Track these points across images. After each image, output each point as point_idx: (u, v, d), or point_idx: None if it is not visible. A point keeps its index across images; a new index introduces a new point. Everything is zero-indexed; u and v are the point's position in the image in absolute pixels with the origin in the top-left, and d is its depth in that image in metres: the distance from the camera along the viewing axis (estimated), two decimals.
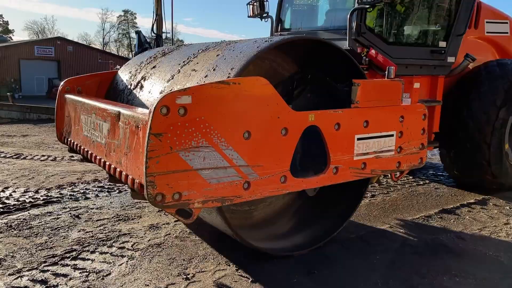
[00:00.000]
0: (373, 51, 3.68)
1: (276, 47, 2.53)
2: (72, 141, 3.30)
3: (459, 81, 4.73)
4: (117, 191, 4.75)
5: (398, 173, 3.32)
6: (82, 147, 3.05)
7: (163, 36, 17.78)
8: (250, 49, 2.48)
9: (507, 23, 5.61)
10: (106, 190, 4.81)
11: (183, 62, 2.93)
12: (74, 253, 3.06)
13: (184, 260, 2.95)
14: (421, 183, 5.30)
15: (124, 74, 3.61)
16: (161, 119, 1.99)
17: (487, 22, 5.37)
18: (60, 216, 3.87)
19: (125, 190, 4.76)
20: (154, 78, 3.08)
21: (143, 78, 3.22)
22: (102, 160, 2.67)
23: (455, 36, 4.29)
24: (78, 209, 4.07)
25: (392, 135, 3.11)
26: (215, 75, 2.48)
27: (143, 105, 3.01)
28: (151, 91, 3.00)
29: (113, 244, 3.23)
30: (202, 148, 2.14)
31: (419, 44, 4.30)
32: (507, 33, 5.64)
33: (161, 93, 2.85)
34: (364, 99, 2.87)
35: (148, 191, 2.01)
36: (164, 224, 3.67)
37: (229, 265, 2.84)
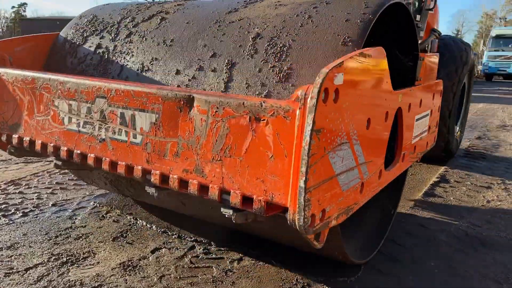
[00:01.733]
0: None
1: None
2: (28, 138, 2.41)
3: None
4: (20, 213, 3.66)
5: None
6: (65, 148, 2.24)
7: None
8: None
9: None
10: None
11: None
12: None
13: None
14: None
15: (88, 27, 2.83)
16: (322, 108, 1.61)
17: None
18: None
19: (32, 211, 3.69)
20: (189, 11, 2.66)
21: (165, 11, 2.75)
22: (137, 167, 1.99)
23: (425, 10, 4.67)
24: None
25: (428, 115, 3.22)
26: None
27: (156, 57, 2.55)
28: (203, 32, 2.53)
29: None
30: (343, 145, 1.82)
31: None
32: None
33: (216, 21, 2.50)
34: (424, 76, 2.87)
35: (305, 214, 1.59)
36: (138, 258, 3.00)
37: None
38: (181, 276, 2.78)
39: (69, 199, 3.97)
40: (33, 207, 3.78)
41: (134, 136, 2.03)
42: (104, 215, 3.64)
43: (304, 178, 1.59)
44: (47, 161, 5.21)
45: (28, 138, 2.43)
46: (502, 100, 15.89)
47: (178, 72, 2.43)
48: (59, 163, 2.39)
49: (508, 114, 12.06)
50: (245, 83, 2.19)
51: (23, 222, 3.45)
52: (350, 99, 1.82)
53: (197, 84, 2.32)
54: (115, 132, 2.08)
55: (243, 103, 1.74)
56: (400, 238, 3.46)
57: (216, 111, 1.80)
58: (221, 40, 2.37)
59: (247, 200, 1.80)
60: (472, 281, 2.87)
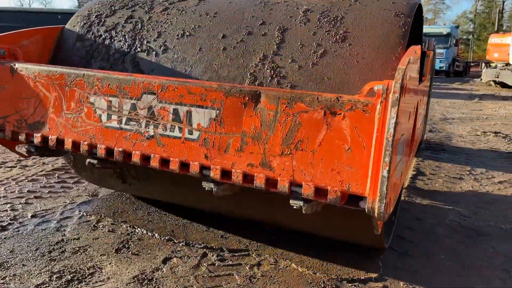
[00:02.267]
0: None
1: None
2: (54, 137, 2.33)
3: None
4: None
5: None
6: (103, 146, 2.20)
7: None
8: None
9: None
10: None
11: None
12: None
13: None
14: None
15: (117, 3, 2.97)
16: (401, 102, 1.76)
17: None
18: None
19: (11, 224, 3.46)
20: None
21: None
22: (194, 163, 2.04)
23: None
24: None
25: (424, 108, 3.53)
26: None
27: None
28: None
29: None
30: (401, 137, 2.01)
31: None
32: None
33: None
34: (427, 72, 3.16)
35: (386, 201, 1.75)
36: (151, 270, 2.92)
37: None
38: (205, 286, 2.76)
39: (49, 209, 3.78)
40: (10, 219, 3.55)
41: (190, 132, 2.06)
42: (96, 225, 3.51)
43: (387, 168, 1.74)
44: (8, 167, 4.88)
45: (54, 137, 2.34)
46: (433, 94, 17.29)
47: (224, 36, 2.51)
48: (94, 161, 2.32)
49: (444, 107, 13.15)
50: (299, 43, 2.35)
51: (4, 238, 3.23)
52: (408, 93, 2.01)
53: (245, 46, 2.43)
54: (166, 129, 2.09)
55: (317, 98, 1.85)
56: (404, 233, 3.67)
57: (286, 106, 1.89)
58: (269, 13, 2.49)
59: (317, 191, 1.91)
60: (484, 271, 3.10)
